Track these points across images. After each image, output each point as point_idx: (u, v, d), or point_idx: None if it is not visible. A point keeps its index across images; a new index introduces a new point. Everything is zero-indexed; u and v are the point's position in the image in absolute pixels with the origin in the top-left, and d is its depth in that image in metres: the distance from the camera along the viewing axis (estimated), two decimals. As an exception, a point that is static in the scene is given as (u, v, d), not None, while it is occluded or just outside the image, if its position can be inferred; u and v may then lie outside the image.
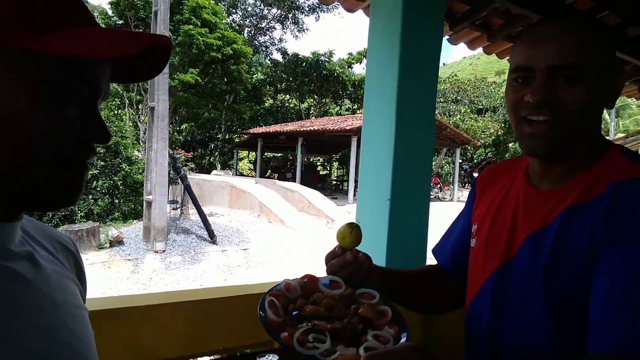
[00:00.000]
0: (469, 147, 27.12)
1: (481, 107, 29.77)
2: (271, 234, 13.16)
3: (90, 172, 10.54)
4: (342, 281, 0.93)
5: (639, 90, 4.09)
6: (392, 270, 1.12)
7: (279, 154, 26.47)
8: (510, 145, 27.03)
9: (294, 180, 19.61)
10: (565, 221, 0.81)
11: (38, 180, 0.52)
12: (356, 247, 0.99)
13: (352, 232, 0.96)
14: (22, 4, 0.49)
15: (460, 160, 24.29)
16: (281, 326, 0.79)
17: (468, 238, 1.06)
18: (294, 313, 0.84)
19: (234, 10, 30.04)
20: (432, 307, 1.20)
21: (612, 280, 0.74)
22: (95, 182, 13.54)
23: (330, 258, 0.99)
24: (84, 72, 0.53)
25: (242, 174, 26.00)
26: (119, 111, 19.67)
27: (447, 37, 2.94)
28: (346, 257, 0.96)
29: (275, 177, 22.83)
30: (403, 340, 0.79)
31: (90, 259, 10.31)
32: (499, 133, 26.51)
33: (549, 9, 2.58)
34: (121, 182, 14.11)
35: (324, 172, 28.42)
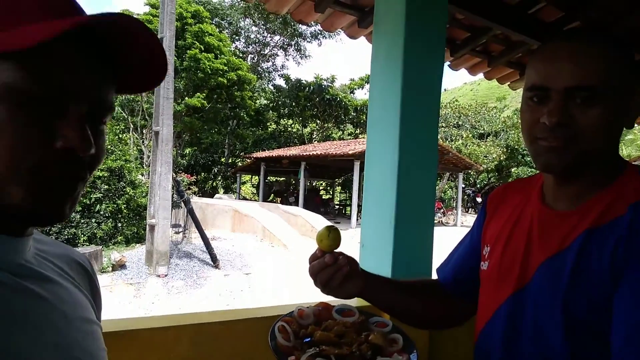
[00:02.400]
0: (471, 172, 27.13)
1: (482, 132, 29.94)
2: (274, 259, 13.07)
3: (94, 196, 10.41)
4: (355, 309, 0.93)
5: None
6: (381, 278, 1.09)
7: (281, 178, 26.53)
8: (512, 170, 27.05)
9: (297, 204, 19.58)
10: (585, 245, 0.77)
11: (12, 193, 0.50)
12: (337, 250, 0.97)
13: (329, 235, 0.95)
14: None
15: (464, 185, 24.27)
16: (290, 351, 0.79)
17: (473, 257, 1.03)
18: (305, 339, 0.84)
19: (237, 38, 30.65)
20: (427, 321, 1.16)
21: (634, 304, 0.69)
22: (98, 205, 13.56)
23: (311, 260, 0.97)
24: (50, 76, 0.50)
25: (244, 198, 26.00)
26: (124, 135, 19.87)
27: (448, 63, 3.00)
28: (325, 259, 0.94)
29: (278, 201, 22.82)
30: None
31: (92, 284, 10.25)
32: (501, 158, 26.58)
33: (548, 35, 2.64)
34: (125, 205, 14.13)
35: (327, 196, 28.40)
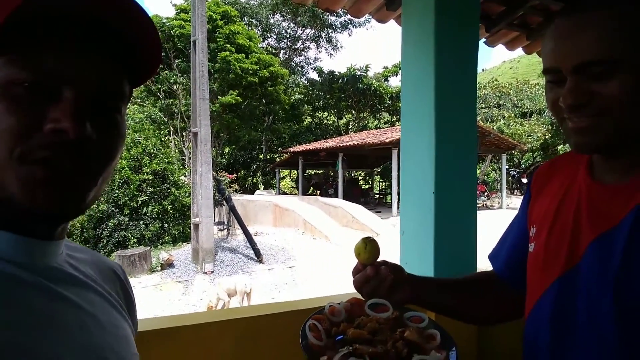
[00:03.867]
0: (515, 153, 26.19)
1: (525, 110, 28.81)
2: (316, 251, 13.15)
3: (140, 199, 10.83)
4: (389, 304, 0.90)
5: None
6: (429, 280, 1.07)
7: (320, 171, 26.60)
8: (559, 147, 25.90)
9: (336, 196, 19.59)
10: (637, 221, 0.71)
11: (8, 184, 0.49)
12: (381, 260, 0.96)
13: (366, 248, 0.94)
14: None
15: (507, 167, 23.48)
16: (322, 350, 0.77)
17: (525, 242, 0.97)
18: (337, 338, 0.82)
19: (268, 35, 30.84)
20: (481, 318, 1.12)
21: None
22: (145, 207, 14.08)
23: (354, 273, 0.96)
24: (36, 61, 0.49)
25: (284, 193, 26.29)
26: (165, 139, 20.51)
27: (483, 39, 2.87)
28: (366, 272, 0.93)
29: (318, 193, 22.91)
30: None
31: (143, 283, 10.66)
32: (547, 136, 25.48)
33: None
34: (171, 206, 14.62)
35: (366, 186, 28.25)
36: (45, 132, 0.49)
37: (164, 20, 20.86)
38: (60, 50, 0.51)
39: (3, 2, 0.47)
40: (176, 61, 20.72)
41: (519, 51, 3.20)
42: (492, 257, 1.11)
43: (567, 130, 0.78)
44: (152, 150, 15.11)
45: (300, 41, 31.91)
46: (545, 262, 0.86)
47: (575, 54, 0.71)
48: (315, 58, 34.86)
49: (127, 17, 0.54)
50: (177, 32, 19.91)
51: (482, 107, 27.27)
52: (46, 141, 0.49)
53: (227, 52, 20.40)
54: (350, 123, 30.92)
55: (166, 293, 10.29)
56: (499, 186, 22.01)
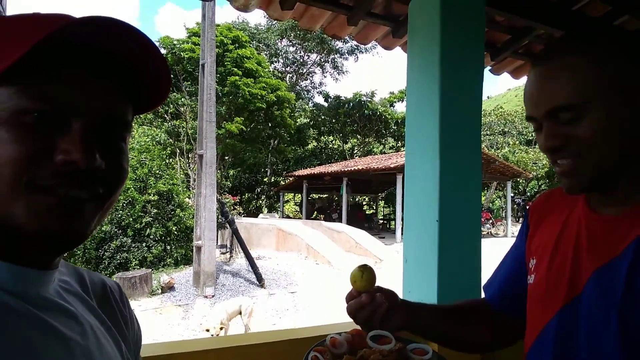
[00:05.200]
0: (520, 180, 26.14)
1: (530, 138, 28.92)
2: (319, 276, 13.00)
3: (144, 220, 10.84)
4: (392, 336, 0.88)
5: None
6: (422, 306, 1.05)
7: (324, 195, 26.59)
8: (564, 176, 25.72)
9: (340, 221, 19.51)
10: (638, 250, 0.71)
11: (16, 213, 0.49)
12: (376, 286, 0.95)
13: (362, 276, 0.93)
14: None
15: (513, 194, 23.39)
16: None
17: (520, 271, 0.98)
18: None
19: (275, 59, 31.36)
20: (473, 344, 1.10)
21: None
22: (149, 229, 14.05)
23: (348, 299, 0.95)
24: (45, 92, 0.50)
25: (288, 217, 26.21)
26: (170, 160, 20.63)
27: (489, 67, 2.89)
28: (362, 299, 0.92)
29: (322, 217, 22.83)
30: None
31: (143, 306, 10.54)
32: (552, 164, 25.44)
33: (593, 30, 2.49)
34: (175, 227, 14.58)
35: (370, 211, 28.16)
36: (57, 162, 0.50)
37: (175, 42, 21.25)
38: (70, 81, 0.52)
39: (24, 35, 0.48)
40: (185, 83, 21.01)
41: (525, 79, 3.21)
42: (486, 286, 1.12)
43: (556, 174, 0.81)
44: (157, 172, 15.18)
45: (306, 66, 32.41)
46: (546, 294, 0.85)
47: (545, 101, 0.75)
48: (321, 82, 35.33)
49: (138, 50, 0.56)
50: (187, 55, 20.24)
51: (487, 134, 27.38)
52: (56, 171, 0.50)
53: (237, 77, 20.70)
54: (355, 148, 31.08)
55: (166, 317, 10.15)
56: (504, 214, 21.87)
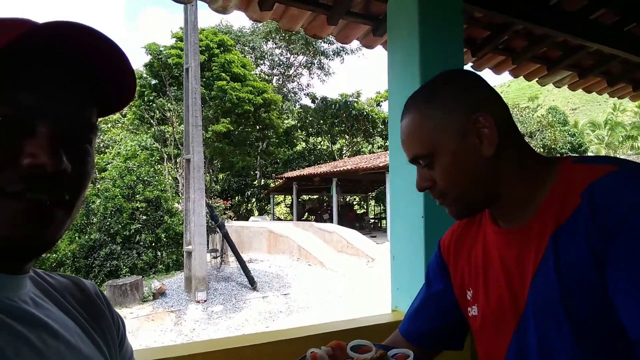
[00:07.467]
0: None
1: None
2: (311, 277, 13.00)
3: (133, 227, 10.71)
4: (372, 344, 0.88)
5: (633, 89, 3.77)
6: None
7: (314, 196, 26.57)
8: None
9: (331, 221, 19.52)
10: (558, 247, 0.76)
11: None
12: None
13: None
14: None
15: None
16: None
17: (447, 310, 1.02)
18: None
19: (261, 62, 31.25)
20: None
21: (626, 283, 0.67)
22: (138, 236, 13.91)
23: None
24: (6, 96, 0.50)
25: (279, 219, 26.15)
26: (158, 166, 20.47)
27: (470, 64, 2.92)
28: None
29: (312, 219, 22.82)
30: None
31: (135, 313, 10.44)
32: (538, 158, 25.72)
33: (570, 26, 2.52)
34: (164, 234, 14.46)
35: (361, 211, 28.22)
36: (24, 166, 0.49)
37: (161, 49, 21.11)
38: (34, 85, 0.51)
39: None
40: (171, 89, 20.86)
41: (509, 75, 3.25)
42: (403, 329, 1.11)
43: None
44: (145, 178, 15.04)
45: (292, 68, 32.34)
46: (495, 319, 0.88)
47: (407, 150, 0.87)
48: (308, 84, 35.16)
49: (101, 52, 0.55)
50: (174, 60, 20.11)
51: (473, 131, 27.55)
52: (23, 175, 0.49)
53: (224, 82, 20.61)
54: (344, 148, 31.11)
55: (158, 323, 10.07)
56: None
